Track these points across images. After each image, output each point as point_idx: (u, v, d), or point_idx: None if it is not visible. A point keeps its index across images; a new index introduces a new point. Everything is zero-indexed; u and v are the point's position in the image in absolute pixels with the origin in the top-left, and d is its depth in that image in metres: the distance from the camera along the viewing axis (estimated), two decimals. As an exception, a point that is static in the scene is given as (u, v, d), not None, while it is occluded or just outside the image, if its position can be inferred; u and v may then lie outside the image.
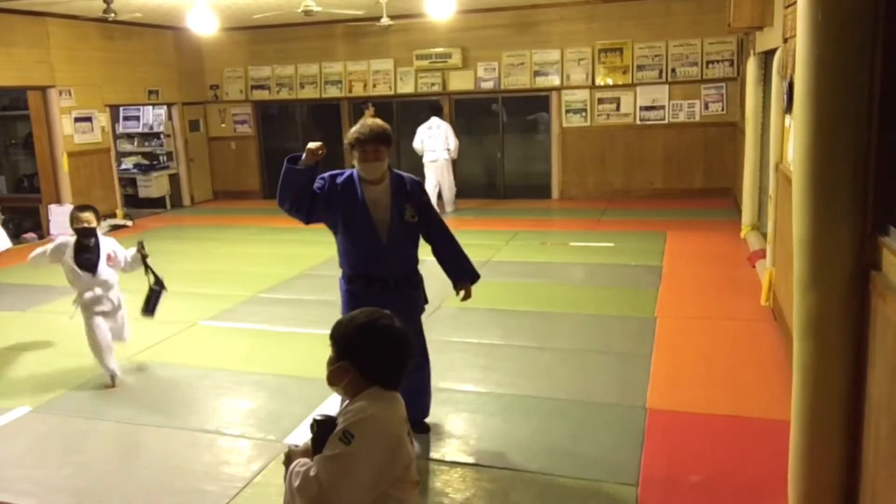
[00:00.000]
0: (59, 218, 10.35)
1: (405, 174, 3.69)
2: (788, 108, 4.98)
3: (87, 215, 4.68)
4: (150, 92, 12.05)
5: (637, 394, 4.25)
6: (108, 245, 4.80)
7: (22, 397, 4.57)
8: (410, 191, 3.63)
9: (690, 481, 3.33)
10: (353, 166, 3.58)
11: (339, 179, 3.52)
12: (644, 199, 11.33)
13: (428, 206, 3.71)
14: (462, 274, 3.76)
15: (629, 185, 11.58)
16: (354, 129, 3.49)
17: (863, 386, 2.57)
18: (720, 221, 9.27)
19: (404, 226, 3.56)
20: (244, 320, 6.09)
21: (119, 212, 11.27)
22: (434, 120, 10.82)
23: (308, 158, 3.34)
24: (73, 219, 4.71)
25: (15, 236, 10.39)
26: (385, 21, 9.82)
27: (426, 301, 3.80)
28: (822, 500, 2.74)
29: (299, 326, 5.79)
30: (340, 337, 1.94)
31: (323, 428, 1.83)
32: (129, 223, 11.00)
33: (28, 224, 10.82)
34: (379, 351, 1.91)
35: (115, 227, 10.66)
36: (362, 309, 2.01)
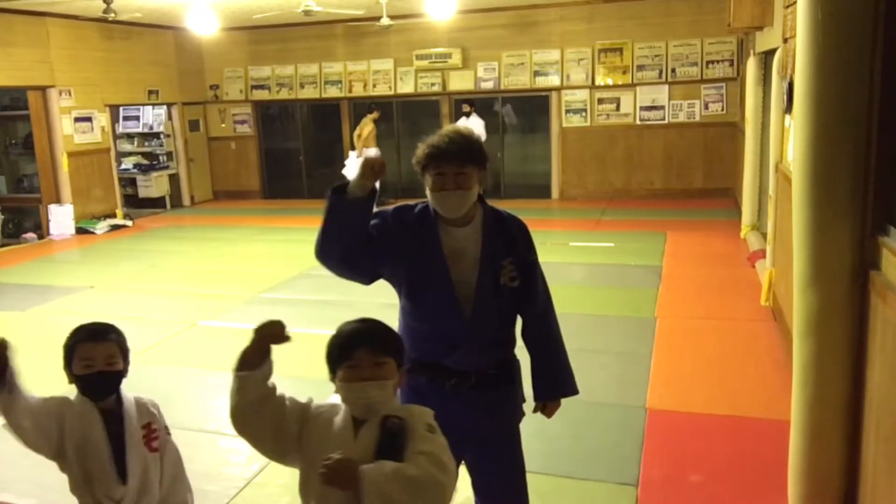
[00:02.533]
0: (59, 218, 10.37)
1: (505, 212, 2.39)
2: (788, 108, 4.98)
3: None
4: (150, 92, 12.05)
5: (637, 394, 4.25)
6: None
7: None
8: (513, 238, 2.34)
9: (690, 481, 3.33)
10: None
11: (409, 216, 2.32)
12: (644, 199, 11.33)
13: (534, 266, 2.40)
14: (556, 386, 2.46)
15: (629, 185, 11.57)
16: (426, 142, 2.25)
17: (863, 386, 2.57)
18: (720, 221, 9.27)
19: (499, 293, 2.30)
20: (244, 320, 6.08)
21: (119, 212, 11.27)
22: (462, 120, 11.11)
23: (366, 178, 2.14)
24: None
25: (15, 236, 10.41)
26: (385, 21, 9.82)
27: (524, 400, 2.48)
28: (822, 500, 2.74)
29: (299, 326, 5.74)
30: (396, 344, 1.82)
31: (396, 427, 1.71)
32: (129, 223, 11.00)
33: (28, 224, 10.83)
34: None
35: (115, 227, 10.67)
36: (358, 320, 1.85)
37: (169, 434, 2.30)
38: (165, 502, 2.24)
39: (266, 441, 1.82)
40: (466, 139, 2.23)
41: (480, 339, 2.30)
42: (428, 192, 2.25)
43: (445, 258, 2.25)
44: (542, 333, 2.47)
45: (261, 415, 1.78)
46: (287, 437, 1.79)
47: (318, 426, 1.80)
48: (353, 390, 1.73)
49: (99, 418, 2.20)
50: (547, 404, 2.47)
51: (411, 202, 2.34)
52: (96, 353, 2.16)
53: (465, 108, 11.40)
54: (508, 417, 2.42)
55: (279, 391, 1.86)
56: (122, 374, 2.21)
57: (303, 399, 1.88)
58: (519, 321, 2.44)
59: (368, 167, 2.13)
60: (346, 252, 2.24)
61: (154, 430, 2.24)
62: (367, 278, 2.35)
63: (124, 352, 2.23)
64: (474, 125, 11.25)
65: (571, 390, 2.47)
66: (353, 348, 1.75)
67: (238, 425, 1.81)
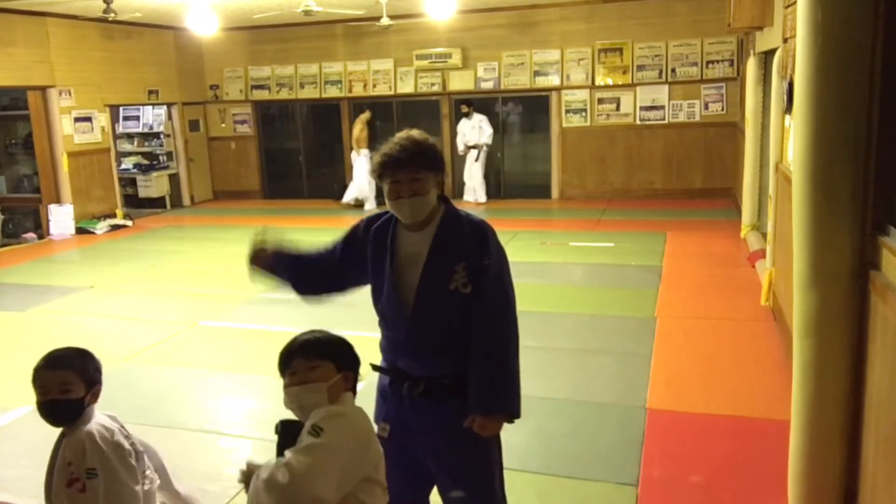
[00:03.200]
0: (59, 218, 10.37)
1: (469, 214, 2.35)
2: (788, 108, 4.98)
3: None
4: (150, 92, 12.05)
5: (637, 394, 4.25)
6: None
7: (22, 397, 4.56)
8: (468, 243, 2.27)
9: (690, 481, 3.33)
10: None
11: (375, 224, 2.37)
12: (644, 199, 11.33)
13: (486, 272, 2.25)
14: (486, 400, 2.24)
15: (629, 185, 11.57)
16: (380, 151, 2.28)
17: (863, 386, 2.57)
18: (720, 221, 9.27)
19: (447, 298, 2.24)
20: (244, 320, 6.09)
21: (119, 212, 11.27)
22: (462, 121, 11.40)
23: (252, 263, 2.59)
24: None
25: (15, 236, 10.41)
26: (385, 21, 9.82)
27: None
28: (822, 500, 2.74)
29: (299, 326, 5.76)
30: (333, 348, 1.93)
31: (289, 429, 1.83)
32: (129, 223, 11.00)
33: (28, 224, 10.83)
34: (357, 360, 1.97)
35: (115, 227, 10.67)
36: (309, 332, 1.97)
37: (96, 477, 2.06)
38: None
39: None
40: (419, 145, 2.23)
41: (422, 343, 2.25)
42: (386, 200, 2.27)
43: (391, 262, 2.27)
44: (483, 340, 2.24)
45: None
46: None
47: None
48: (288, 394, 1.87)
49: (56, 445, 2.16)
50: (476, 419, 2.23)
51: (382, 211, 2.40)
52: (51, 380, 2.11)
53: (464, 108, 11.44)
54: (464, 432, 2.23)
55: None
56: (77, 402, 2.11)
57: None
58: None
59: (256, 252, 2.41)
60: (306, 283, 2.55)
61: (72, 473, 2.07)
62: (340, 286, 2.50)
63: (88, 379, 2.14)
64: (476, 124, 11.34)
65: (507, 408, 2.25)
66: (291, 357, 1.90)
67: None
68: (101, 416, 2.18)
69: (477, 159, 11.43)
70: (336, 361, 1.89)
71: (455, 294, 2.23)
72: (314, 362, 1.86)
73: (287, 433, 1.82)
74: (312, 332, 1.97)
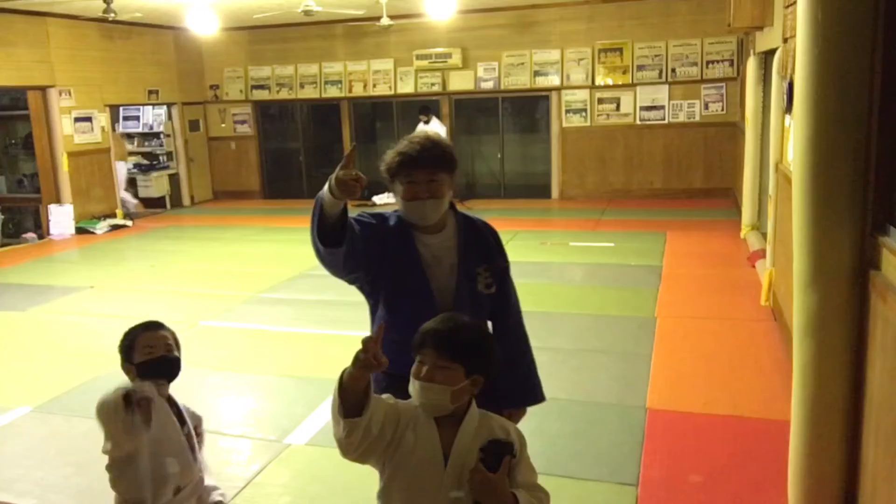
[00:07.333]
0: (59, 218, 10.37)
1: (477, 217, 2.39)
2: (788, 108, 4.98)
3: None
4: (150, 92, 12.05)
5: (637, 394, 4.25)
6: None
7: (22, 397, 4.57)
8: (488, 245, 2.34)
9: (690, 481, 3.33)
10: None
11: (386, 224, 2.27)
12: (644, 199, 11.33)
13: (507, 272, 2.40)
14: (525, 395, 2.42)
15: (629, 185, 11.58)
16: (395, 149, 2.22)
17: (863, 386, 2.57)
18: (720, 221, 9.27)
19: (477, 300, 2.27)
20: (244, 320, 6.09)
21: (119, 212, 11.27)
22: (420, 126, 10.95)
23: (340, 192, 1.98)
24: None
25: (15, 236, 10.41)
26: (385, 21, 9.82)
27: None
28: (822, 500, 2.74)
29: (299, 326, 5.79)
30: (467, 350, 1.75)
31: (500, 449, 1.70)
32: (129, 223, 11.00)
33: (28, 224, 10.83)
34: (489, 363, 1.79)
35: (115, 227, 10.67)
36: (456, 314, 1.84)
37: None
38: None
39: (362, 455, 1.77)
40: (437, 146, 2.20)
41: None
42: (399, 201, 2.21)
43: (424, 266, 2.22)
44: (516, 342, 2.39)
45: (364, 441, 1.73)
46: (380, 445, 1.76)
47: (408, 431, 1.77)
48: (412, 385, 1.75)
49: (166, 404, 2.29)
50: (513, 412, 2.36)
51: (385, 210, 2.31)
52: (155, 339, 2.29)
53: (423, 116, 11.08)
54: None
55: (377, 404, 1.76)
56: (179, 361, 2.34)
57: (391, 401, 1.81)
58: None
59: (342, 185, 1.95)
60: (327, 239, 2.08)
61: (200, 433, 2.43)
62: (347, 274, 2.24)
63: (177, 343, 2.37)
64: (435, 131, 11.08)
65: (539, 398, 2.44)
66: (423, 344, 1.75)
67: (346, 457, 1.77)
68: None
69: None
70: (466, 365, 1.73)
71: (480, 296, 2.27)
72: (444, 362, 1.71)
73: (498, 452, 1.69)
74: (453, 318, 1.82)
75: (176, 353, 2.32)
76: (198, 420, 2.45)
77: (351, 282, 2.30)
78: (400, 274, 2.23)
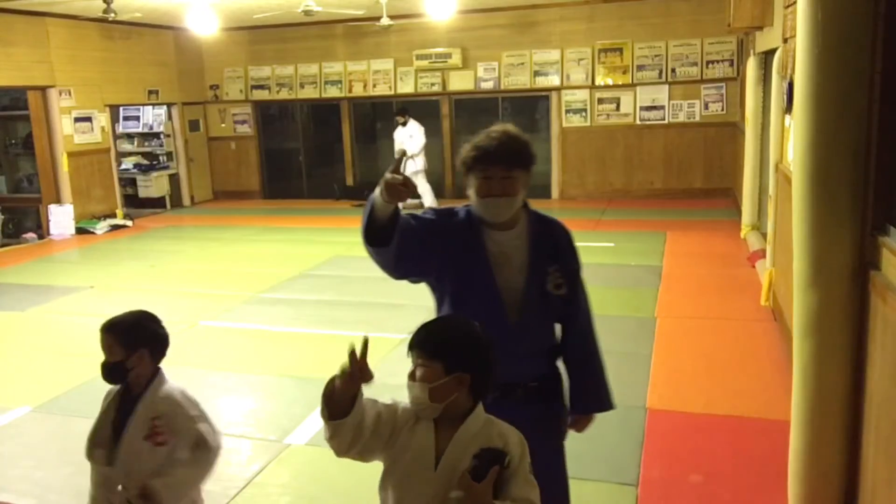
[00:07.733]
0: (59, 218, 10.37)
1: (550, 216, 2.31)
2: (788, 108, 4.98)
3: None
4: (150, 92, 12.05)
5: (637, 394, 4.25)
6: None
7: (22, 397, 4.57)
8: (560, 245, 2.27)
9: (690, 481, 3.33)
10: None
11: (453, 219, 2.21)
12: (644, 199, 11.33)
13: (578, 274, 2.32)
14: (594, 402, 2.38)
15: (629, 185, 11.58)
16: (473, 142, 2.14)
17: (863, 386, 2.57)
18: (720, 221, 9.27)
19: (546, 300, 2.20)
20: (244, 320, 6.09)
21: (119, 212, 11.27)
22: (398, 130, 10.94)
23: (388, 196, 1.95)
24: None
25: (15, 236, 10.41)
26: (385, 21, 9.82)
27: (568, 416, 2.35)
28: (822, 500, 2.74)
29: (299, 326, 5.78)
30: (445, 347, 1.74)
31: (492, 458, 1.67)
32: (129, 223, 11.00)
33: (28, 224, 10.83)
34: (491, 363, 1.77)
35: (115, 227, 10.67)
36: (448, 315, 1.82)
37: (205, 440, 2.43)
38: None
39: (360, 454, 1.79)
40: (515, 141, 2.11)
41: (525, 348, 2.17)
42: (472, 196, 2.13)
43: (490, 263, 2.14)
44: (586, 347, 2.38)
45: (356, 442, 1.74)
46: (378, 443, 1.77)
47: (405, 429, 1.78)
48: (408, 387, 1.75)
49: (113, 401, 2.36)
50: (580, 419, 2.36)
51: (455, 205, 2.25)
52: (103, 344, 2.32)
53: (400, 118, 11.00)
54: (553, 435, 2.28)
55: (372, 405, 1.76)
56: (118, 364, 2.30)
57: (388, 401, 1.81)
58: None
59: (391, 189, 1.92)
60: (376, 238, 2.04)
61: (157, 426, 2.30)
62: (402, 276, 2.18)
63: (128, 344, 2.32)
64: (409, 133, 10.90)
65: (606, 405, 2.39)
66: (411, 347, 1.76)
67: (340, 456, 1.78)
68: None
69: (415, 168, 10.85)
70: (445, 362, 1.70)
71: (550, 296, 2.19)
72: (423, 360, 1.71)
73: (489, 460, 1.64)
74: (443, 318, 1.82)
75: (113, 358, 2.29)
76: (161, 413, 2.35)
77: (413, 282, 2.25)
78: (465, 270, 2.16)
